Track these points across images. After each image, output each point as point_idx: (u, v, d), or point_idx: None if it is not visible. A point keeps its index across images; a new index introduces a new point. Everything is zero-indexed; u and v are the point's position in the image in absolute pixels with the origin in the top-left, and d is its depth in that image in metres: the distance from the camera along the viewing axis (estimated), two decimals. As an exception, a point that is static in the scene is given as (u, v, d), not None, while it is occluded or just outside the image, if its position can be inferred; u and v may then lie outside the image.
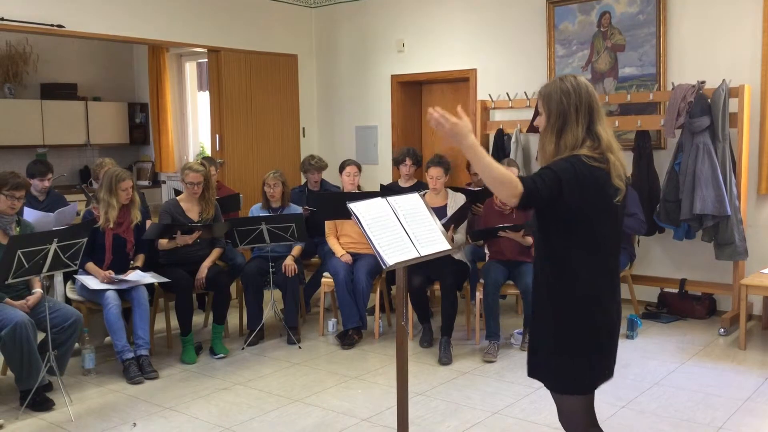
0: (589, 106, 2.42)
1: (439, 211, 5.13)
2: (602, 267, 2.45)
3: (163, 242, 5.11)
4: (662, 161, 5.91)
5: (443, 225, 3.12)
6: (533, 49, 6.67)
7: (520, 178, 2.31)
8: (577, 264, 2.41)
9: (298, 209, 5.78)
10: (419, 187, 5.74)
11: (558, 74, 6.45)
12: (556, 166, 2.37)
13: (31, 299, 4.31)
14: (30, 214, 5.16)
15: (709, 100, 5.41)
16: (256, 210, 5.74)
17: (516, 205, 2.33)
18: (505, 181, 2.28)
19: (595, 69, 6.36)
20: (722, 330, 5.38)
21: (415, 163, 6.06)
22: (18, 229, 4.40)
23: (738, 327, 5.19)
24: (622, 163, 2.44)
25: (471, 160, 2.35)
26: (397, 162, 6.16)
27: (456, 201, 5.37)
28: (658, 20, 5.96)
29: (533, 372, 2.58)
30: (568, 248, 2.42)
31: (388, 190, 5.80)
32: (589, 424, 2.54)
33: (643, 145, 5.90)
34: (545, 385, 2.55)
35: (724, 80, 5.40)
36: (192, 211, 5.27)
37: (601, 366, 2.49)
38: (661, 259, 6.16)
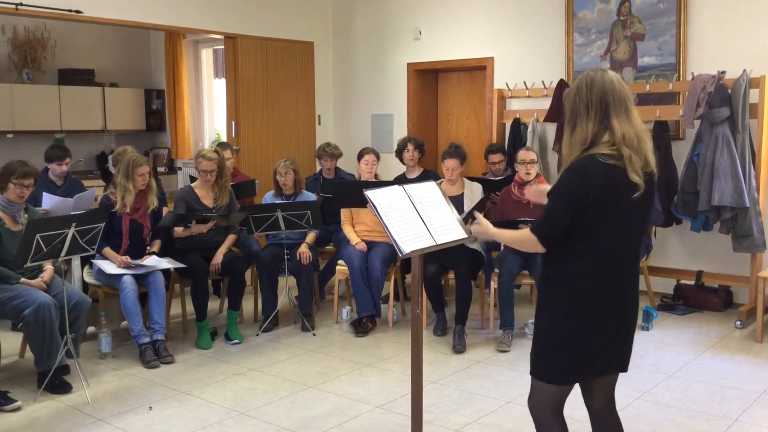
0: (603, 101, 2.36)
1: (456, 201, 5.11)
2: (601, 262, 2.40)
3: (179, 230, 5.14)
4: (680, 152, 5.86)
5: (462, 219, 3.13)
6: (551, 37, 6.61)
7: (531, 227, 2.42)
8: (575, 257, 2.40)
9: (312, 196, 5.78)
10: (426, 176, 5.69)
11: (576, 63, 6.46)
12: (561, 186, 2.39)
13: (46, 275, 4.35)
14: (49, 199, 5.20)
15: (729, 91, 5.35)
16: (269, 198, 5.74)
17: (547, 249, 2.43)
18: (524, 240, 2.48)
19: (614, 58, 6.30)
20: (739, 322, 5.34)
21: (417, 147, 5.99)
22: (26, 216, 4.41)
23: (755, 320, 5.15)
24: (645, 155, 2.38)
25: (498, 240, 2.77)
26: (399, 151, 6.08)
27: (472, 190, 5.35)
28: (679, 9, 5.89)
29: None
30: (568, 242, 2.40)
31: (400, 182, 5.77)
32: (552, 413, 2.55)
33: (662, 136, 5.85)
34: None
35: (744, 70, 5.33)
36: (207, 197, 5.29)
37: (578, 362, 2.46)
38: (677, 251, 6.12)
